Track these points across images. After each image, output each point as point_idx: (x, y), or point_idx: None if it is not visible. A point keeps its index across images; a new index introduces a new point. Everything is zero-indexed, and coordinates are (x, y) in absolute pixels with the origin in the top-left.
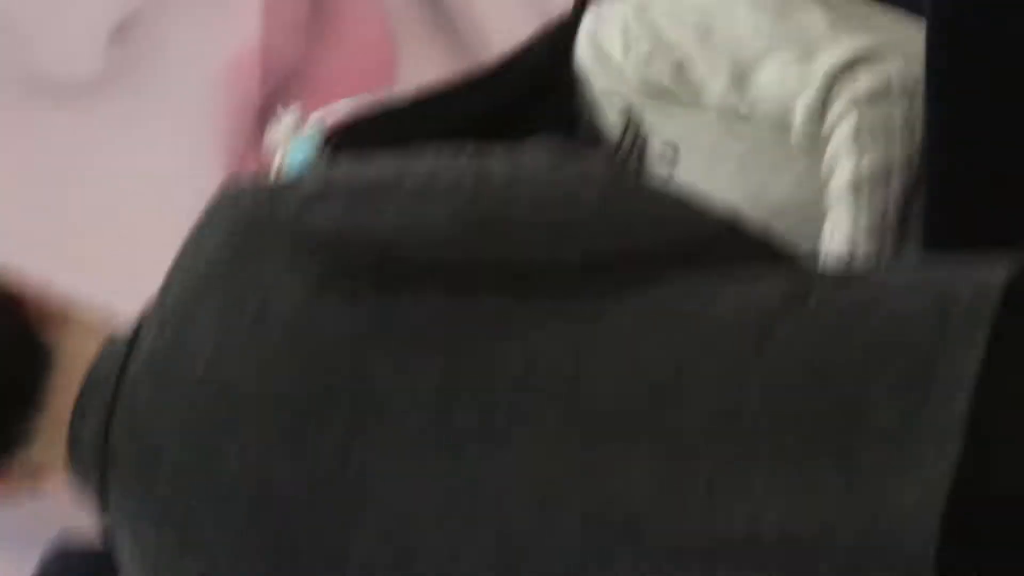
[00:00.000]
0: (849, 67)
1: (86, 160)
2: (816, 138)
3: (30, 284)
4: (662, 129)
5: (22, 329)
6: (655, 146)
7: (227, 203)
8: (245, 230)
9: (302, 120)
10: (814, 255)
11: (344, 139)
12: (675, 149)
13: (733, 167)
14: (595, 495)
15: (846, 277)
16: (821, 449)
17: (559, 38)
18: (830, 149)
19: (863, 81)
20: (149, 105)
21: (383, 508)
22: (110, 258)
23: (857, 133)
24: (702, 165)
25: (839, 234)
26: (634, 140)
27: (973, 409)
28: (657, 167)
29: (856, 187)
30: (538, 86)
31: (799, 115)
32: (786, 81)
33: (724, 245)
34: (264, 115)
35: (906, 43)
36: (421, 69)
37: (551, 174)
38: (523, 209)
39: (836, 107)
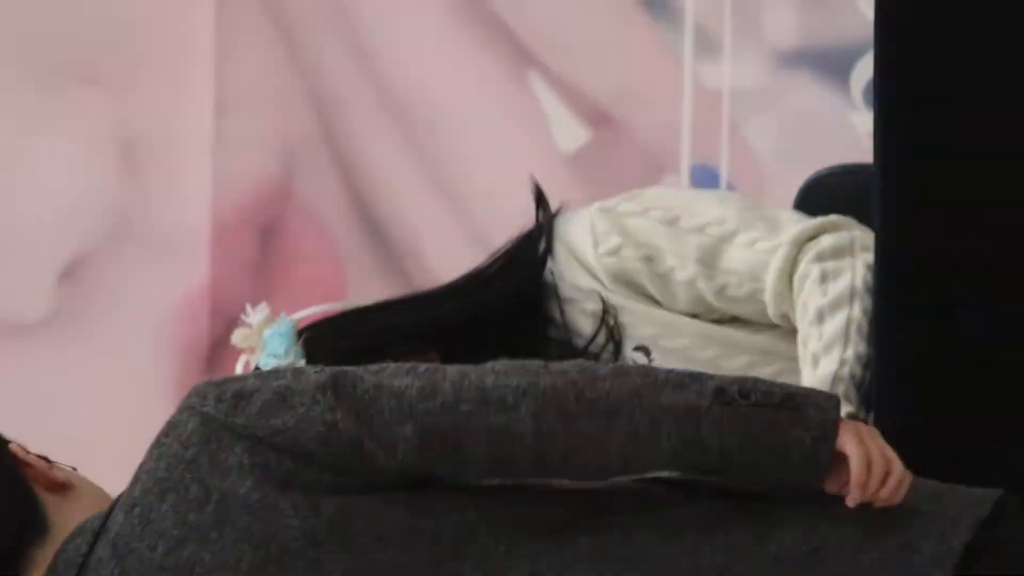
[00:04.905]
0: (814, 234)
1: (34, 399)
2: (786, 297)
3: (35, 456)
4: (635, 332)
5: (28, 495)
6: (627, 352)
7: (192, 404)
8: (206, 431)
9: (272, 316)
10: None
11: (316, 334)
12: (647, 353)
13: (706, 370)
14: None
15: (812, 517)
16: None
17: (527, 248)
18: (799, 298)
19: (827, 241)
20: (98, 345)
21: None
22: None
23: (823, 276)
24: (677, 364)
25: (810, 354)
26: (609, 336)
27: None
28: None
29: (820, 316)
30: (508, 294)
31: (770, 276)
32: (755, 254)
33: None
34: (213, 354)
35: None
36: None
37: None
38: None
39: (803, 264)
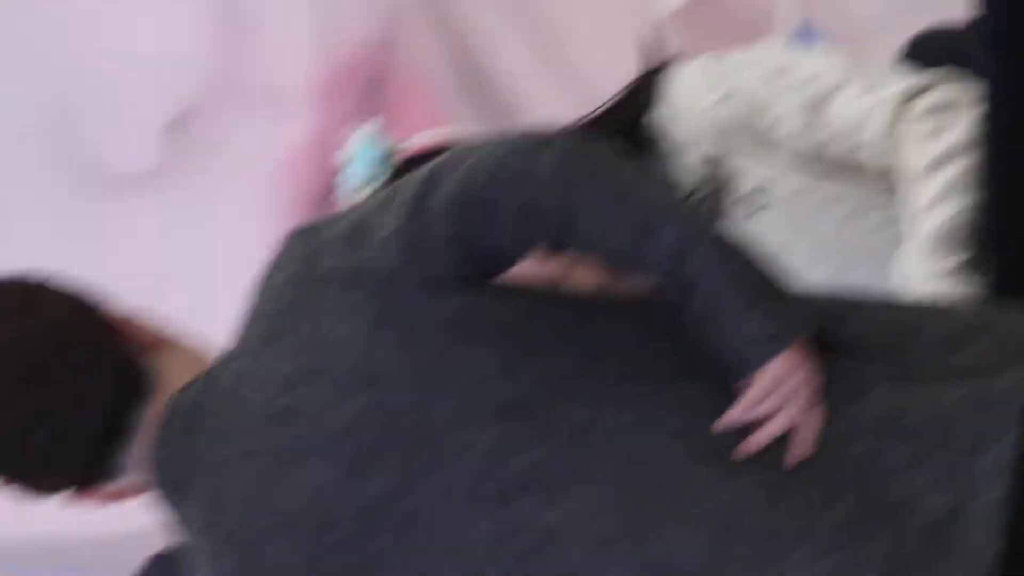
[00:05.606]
0: (920, 89)
1: (140, 252)
2: (891, 151)
3: (129, 312)
4: (751, 173)
5: (124, 362)
6: (743, 189)
7: (287, 248)
8: (303, 274)
9: (382, 132)
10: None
11: (409, 166)
12: (764, 192)
13: (812, 213)
14: (650, 549)
15: (901, 372)
16: (869, 534)
17: (629, 99)
18: (908, 152)
19: (935, 95)
20: (204, 198)
21: (435, 542)
22: None
23: (932, 130)
24: (786, 210)
25: (919, 208)
26: (713, 186)
27: (1011, 497)
28: (743, 210)
29: (930, 169)
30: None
31: (876, 130)
32: (859, 106)
33: None
34: (322, 207)
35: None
36: None
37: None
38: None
39: (911, 118)
